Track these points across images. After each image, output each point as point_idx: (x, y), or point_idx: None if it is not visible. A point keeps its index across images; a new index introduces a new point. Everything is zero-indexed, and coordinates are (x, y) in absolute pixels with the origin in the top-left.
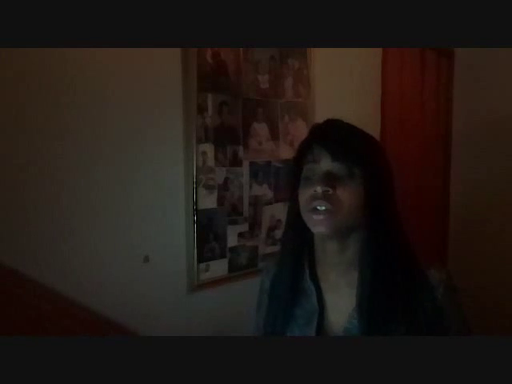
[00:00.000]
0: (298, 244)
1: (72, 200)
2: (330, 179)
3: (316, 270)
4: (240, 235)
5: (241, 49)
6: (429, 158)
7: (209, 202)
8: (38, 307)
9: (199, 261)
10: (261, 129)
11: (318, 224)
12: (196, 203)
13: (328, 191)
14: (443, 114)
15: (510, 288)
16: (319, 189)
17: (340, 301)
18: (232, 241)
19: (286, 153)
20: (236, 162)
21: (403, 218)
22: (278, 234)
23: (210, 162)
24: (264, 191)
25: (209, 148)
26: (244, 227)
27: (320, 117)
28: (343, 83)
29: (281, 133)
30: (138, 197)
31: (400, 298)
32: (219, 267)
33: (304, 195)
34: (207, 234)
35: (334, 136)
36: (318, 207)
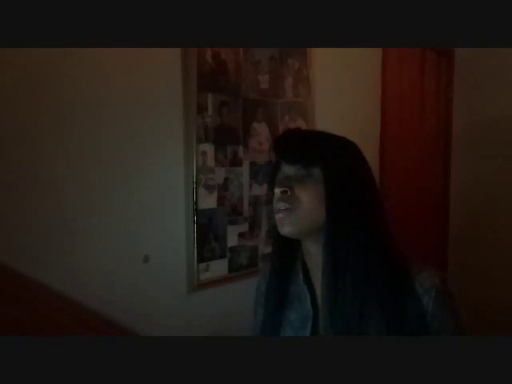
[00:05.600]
0: (286, 249)
1: (72, 200)
2: (288, 181)
3: (309, 274)
4: (240, 235)
5: (241, 49)
6: (429, 158)
7: (209, 201)
8: (38, 307)
9: (199, 261)
10: (261, 129)
11: (280, 224)
12: (196, 203)
13: (286, 192)
14: (443, 114)
15: (510, 288)
16: (277, 190)
17: None
18: (232, 241)
19: None
20: (236, 161)
21: (392, 218)
22: None
23: (210, 162)
24: (264, 191)
25: (209, 148)
26: (244, 227)
27: (320, 117)
28: (343, 83)
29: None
30: (138, 197)
31: (373, 301)
32: (219, 267)
33: (273, 199)
34: (207, 234)
35: (286, 142)
36: (279, 207)
